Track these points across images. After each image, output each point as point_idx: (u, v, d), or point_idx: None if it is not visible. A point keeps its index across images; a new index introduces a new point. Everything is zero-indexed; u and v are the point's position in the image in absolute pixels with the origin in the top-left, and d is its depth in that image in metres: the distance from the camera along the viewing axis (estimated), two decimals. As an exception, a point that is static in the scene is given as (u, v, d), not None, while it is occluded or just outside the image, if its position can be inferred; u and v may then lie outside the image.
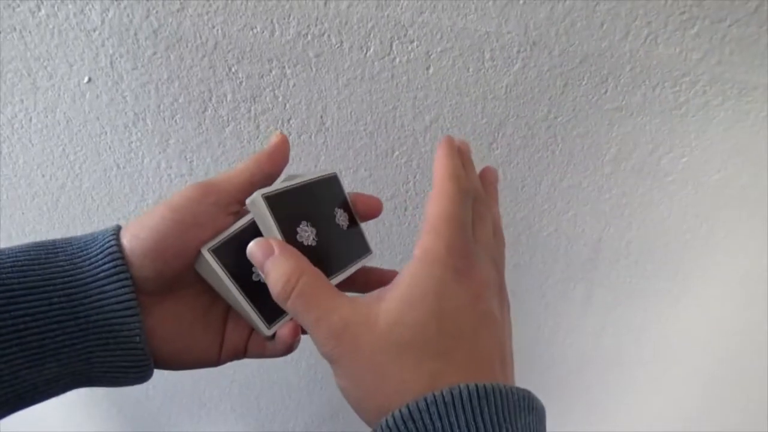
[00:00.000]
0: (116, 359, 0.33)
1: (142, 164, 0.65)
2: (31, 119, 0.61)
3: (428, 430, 0.27)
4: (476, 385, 0.28)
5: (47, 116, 0.61)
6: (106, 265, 0.32)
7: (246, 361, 0.93)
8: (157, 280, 0.34)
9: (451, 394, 0.28)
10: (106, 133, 0.62)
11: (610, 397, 0.93)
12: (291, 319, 0.38)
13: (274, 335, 0.38)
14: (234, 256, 0.36)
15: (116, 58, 0.57)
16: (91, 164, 0.65)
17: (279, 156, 0.38)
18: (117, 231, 0.34)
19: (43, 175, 0.66)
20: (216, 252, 0.35)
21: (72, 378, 0.33)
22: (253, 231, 0.36)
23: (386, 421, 0.28)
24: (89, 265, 0.33)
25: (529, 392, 0.31)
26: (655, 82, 0.57)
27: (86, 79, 0.58)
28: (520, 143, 0.63)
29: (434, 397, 0.28)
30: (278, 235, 0.35)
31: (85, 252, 0.33)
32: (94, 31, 0.55)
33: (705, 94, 0.58)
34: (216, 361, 0.39)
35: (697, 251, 0.72)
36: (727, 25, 0.53)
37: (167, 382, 0.93)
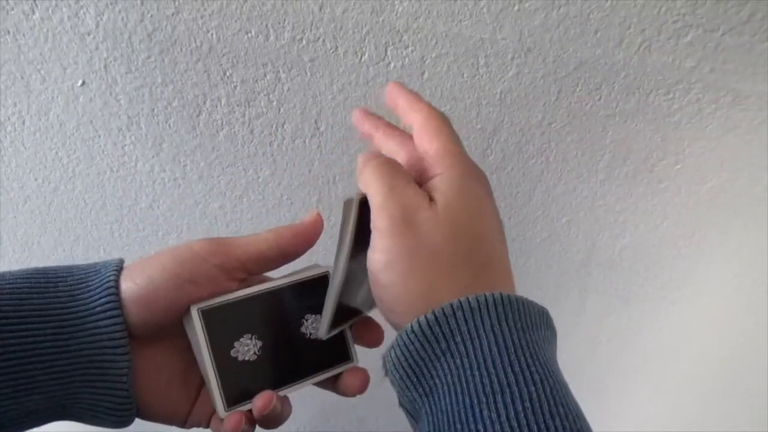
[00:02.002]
0: (100, 398, 0.33)
1: (135, 168, 0.65)
2: (24, 122, 0.61)
3: (453, 333, 0.29)
4: (501, 294, 0.30)
5: (40, 119, 0.60)
6: (102, 300, 0.32)
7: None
8: (143, 328, 0.33)
9: (477, 300, 0.29)
10: (99, 137, 0.62)
11: (604, 404, 0.93)
12: (249, 410, 0.36)
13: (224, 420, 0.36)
14: (221, 324, 0.35)
15: (110, 62, 0.56)
16: (84, 168, 0.65)
17: (303, 238, 0.36)
18: (119, 267, 0.34)
19: (36, 179, 0.66)
20: (204, 314, 0.34)
21: (53, 411, 0.32)
22: (251, 306, 0.35)
23: (418, 322, 0.29)
24: (88, 298, 0.32)
25: (546, 309, 0.32)
26: (648, 90, 0.58)
27: (80, 83, 0.58)
28: (515, 149, 0.63)
29: (460, 303, 0.29)
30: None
31: (85, 284, 0.33)
32: (89, 34, 0.55)
33: (698, 101, 0.58)
34: (182, 423, 0.38)
35: (690, 258, 0.73)
36: (720, 34, 0.54)
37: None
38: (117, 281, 0.33)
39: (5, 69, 0.57)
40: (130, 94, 0.59)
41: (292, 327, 0.37)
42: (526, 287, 0.77)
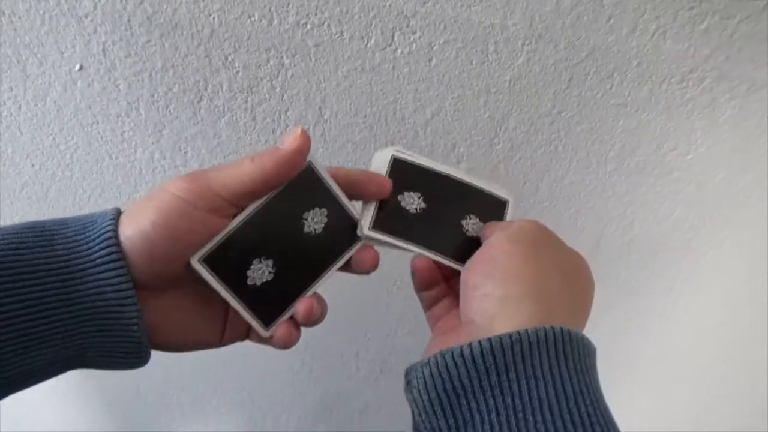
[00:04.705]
0: (112, 346, 0.32)
1: (134, 155, 0.63)
2: (20, 107, 0.59)
3: (508, 368, 0.27)
4: (561, 329, 0.28)
5: (37, 105, 0.59)
6: (103, 252, 0.31)
7: (239, 356, 0.92)
8: (153, 281, 0.33)
9: (537, 335, 0.27)
10: (98, 123, 0.61)
11: (609, 396, 0.93)
12: (288, 319, 0.37)
13: (272, 335, 0.37)
14: (226, 262, 0.34)
15: (109, 46, 0.55)
16: (82, 154, 0.63)
17: (289, 166, 0.34)
18: (116, 216, 0.32)
19: (33, 165, 0.64)
20: (207, 261, 0.33)
21: (66, 362, 0.31)
22: (246, 232, 0.34)
23: (470, 347, 0.28)
24: (86, 250, 0.31)
25: (595, 347, 0.32)
26: (661, 78, 0.56)
27: (78, 67, 0.56)
28: (523, 138, 0.62)
29: (519, 335, 0.27)
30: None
31: (83, 236, 0.31)
32: (86, 17, 0.53)
33: (712, 91, 0.57)
34: (218, 345, 0.38)
35: (699, 250, 0.72)
36: (736, 21, 0.52)
37: (158, 376, 0.92)
38: (115, 230, 0.31)
39: (1, 52, 0.55)
40: (130, 79, 0.57)
41: (294, 232, 0.36)
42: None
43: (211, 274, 0.34)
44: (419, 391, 0.29)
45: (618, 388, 0.91)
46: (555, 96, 0.58)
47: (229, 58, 0.56)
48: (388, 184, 0.38)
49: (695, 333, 0.82)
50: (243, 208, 0.35)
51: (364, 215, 0.38)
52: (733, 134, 0.60)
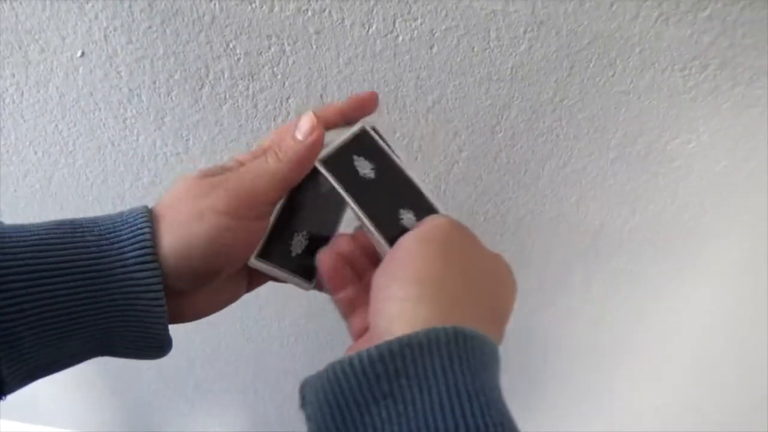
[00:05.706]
0: (137, 340, 0.33)
1: (137, 142, 0.63)
2: (22, 94, 0.59)
3: (399, 373, 0.26)
4: (455, 329, 0.27)
5: (39, 91, 0.59)
6: (136, 252, 0.31)
7: (242, 345, 0.92)
8: (182, 286, 0.34)
9: (428, 336, 0.26)
10: (100, 110, 0.61)
11: (607, 385, 0.93)
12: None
13: (314, 284, 0.41)
14: (276, 248, 0.38)
15: (110, 32, 0.55)
16: (84, 141, 0.63)
17: (312, 157, 0.35)
18: (149, 217, 0.33)
19: (36, 152, 0.64)
20: (261, 256, 0.37)
21: (92, 353, 0.33)
22: (283, 220, 0.38)
23: (359, 356, 0.27)
24: (117, 249, 0.31)
25: (497, 345, 0.30)
26: (664, 65, 0.56)
27: (79, 53, 0.57)
28: (524, 126, 0.61)
29: (409, 339, 0.26)
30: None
31: (114, 234, 0.32)
32: (88, 2, 0.53)
33: (715, 78, 0.57)
34: (246, 293, 0.40)
35: (700, 239, 0.71)
36: (740, 7, 0.52)
37: (162, 363, 0.93)
38: (152, 233, 0.32)
39: (3, 38, 0.55)
40: (131, 65, 0.57)
41: (316, 202, 0.41)
42: (533, 267, 0.76)
43: (268, 265, 0.38)
44: (313, 409, 0.27)
45: (616, 376, 0.91)
46: (557, 83, 0.58)
47: (231, 45, 0.56)
48: (376, 96, 0.39)
49: (696, 321, 0.82)
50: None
51: (328, 146, 0.38)
52: (735, 122, 0.60)
